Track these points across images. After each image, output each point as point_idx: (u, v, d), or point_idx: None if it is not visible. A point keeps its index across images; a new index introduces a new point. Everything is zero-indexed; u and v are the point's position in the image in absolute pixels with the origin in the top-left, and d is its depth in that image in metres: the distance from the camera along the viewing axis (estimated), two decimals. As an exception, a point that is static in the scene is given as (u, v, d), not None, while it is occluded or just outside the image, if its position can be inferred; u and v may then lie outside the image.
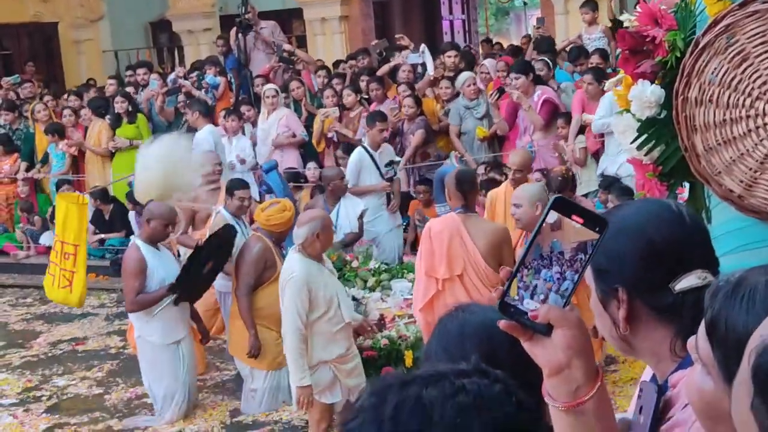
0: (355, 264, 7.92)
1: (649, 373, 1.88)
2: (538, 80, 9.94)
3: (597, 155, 9.45)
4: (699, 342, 1.24)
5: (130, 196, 10.92)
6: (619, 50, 9.15)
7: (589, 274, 1.75)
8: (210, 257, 6.55)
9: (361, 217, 8.52)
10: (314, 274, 5.61)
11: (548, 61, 10.56)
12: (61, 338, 8.81)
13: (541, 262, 1.30)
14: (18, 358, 8.31)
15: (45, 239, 11.79)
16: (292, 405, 6.15)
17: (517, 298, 1.28)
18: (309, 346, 5.60)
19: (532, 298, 1.29)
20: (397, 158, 9.48)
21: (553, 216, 1.30)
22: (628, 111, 2.57)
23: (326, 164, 11.07)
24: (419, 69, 12.06)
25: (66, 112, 12.54)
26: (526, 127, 9.76)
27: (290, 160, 11.06)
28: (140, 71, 13.77)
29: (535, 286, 1.28)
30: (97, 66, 18.28)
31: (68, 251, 8.25)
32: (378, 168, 9.10)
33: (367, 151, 9.16)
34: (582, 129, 9.39)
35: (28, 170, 12.42)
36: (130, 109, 11.76)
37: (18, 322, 9.55)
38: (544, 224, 1.31)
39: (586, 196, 9.16)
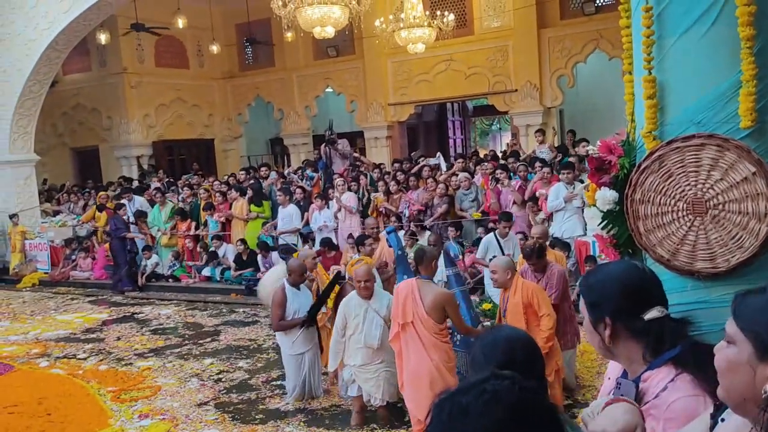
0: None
1: (615, 371, 1.87)
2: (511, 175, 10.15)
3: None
4: (727, 329, 1.30)
5: (259, 245, 11.01)
6: (558, 158, 9.21)
7: (584, 306, 1.78)
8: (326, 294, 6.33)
9: None
10: (352, 307, 5.39)
11: (526, 165, 10.54)
12: (237, 336, 8.69)
13: None
14: (210, 348, 8.21)
15: (205, 272, 11.89)
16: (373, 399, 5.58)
17: None
18: (345, 350, 5.48)
19: None
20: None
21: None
22: (594, 206, 2.59)
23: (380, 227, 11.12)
24: (437, 168, 12.17)
25: (218, 194, 12.70)
26: (507, 204, 9.77)
27: (354, 224, 11.12)
28: (263, 169, 13.96)
29: None
30: (236, 165, 18.53)
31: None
32: (501, 250, 8.17)
33: (496, 238, 8.47)
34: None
35: (196, 229, 12.58)
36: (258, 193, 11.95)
37: (208, 325, 9.38)
38: None
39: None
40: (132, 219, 12.53)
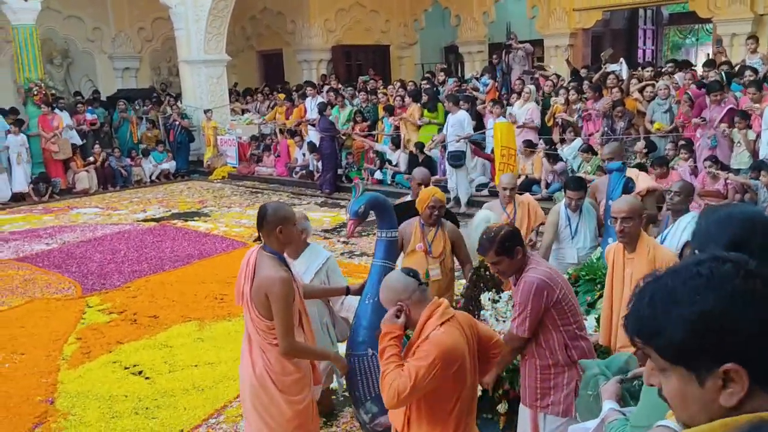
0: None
1: None
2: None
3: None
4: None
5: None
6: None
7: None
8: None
9: None
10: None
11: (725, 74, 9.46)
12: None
13: None
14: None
15: (377, 175, 12.19)
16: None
17: None
18: None
19: None
20: None
21: None
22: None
23: (554, 138, 10.70)
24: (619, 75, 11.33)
25: (397, 98, 12.80)
26: (712, 123, 8.72)
27: (529, 135, 10.78)
28: (441, 74, 13.84)
29: None
30: (411, 72, 18.54)
31: (510, 153, 8.53)
32: (571, 229, 5.44)
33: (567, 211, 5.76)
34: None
35: (370, 130, 12.85)
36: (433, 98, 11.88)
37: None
38: None
39: (737, 172, 8.31)
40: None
